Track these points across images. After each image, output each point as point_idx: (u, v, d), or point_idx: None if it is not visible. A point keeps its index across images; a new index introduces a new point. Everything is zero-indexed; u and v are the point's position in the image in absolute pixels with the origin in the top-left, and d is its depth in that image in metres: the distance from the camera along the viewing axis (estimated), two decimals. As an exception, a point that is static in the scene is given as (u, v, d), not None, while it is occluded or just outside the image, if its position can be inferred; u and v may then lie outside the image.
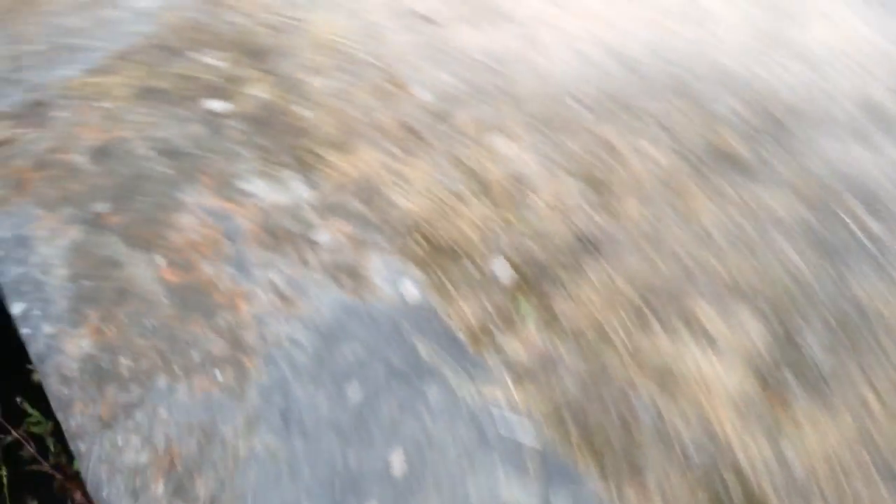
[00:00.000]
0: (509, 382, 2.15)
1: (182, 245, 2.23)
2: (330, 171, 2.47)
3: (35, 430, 1.97)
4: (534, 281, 2.38)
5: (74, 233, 2.16)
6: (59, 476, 2.00)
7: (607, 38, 2.89)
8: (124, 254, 2.17)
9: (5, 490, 2.01)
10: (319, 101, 2.58)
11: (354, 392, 2.08)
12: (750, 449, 2.05)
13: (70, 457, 1.90)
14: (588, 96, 2.75)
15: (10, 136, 2.27)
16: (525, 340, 2.27)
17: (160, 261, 2.18)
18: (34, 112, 2.33)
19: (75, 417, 1.90)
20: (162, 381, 1.98)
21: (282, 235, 2.32)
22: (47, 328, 1.98)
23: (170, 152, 2.37)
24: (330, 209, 2.41)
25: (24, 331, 1.95)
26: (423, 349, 2.21)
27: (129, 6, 2.58)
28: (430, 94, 2.67)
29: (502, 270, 2.39)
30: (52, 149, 2.27)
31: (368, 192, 2.46)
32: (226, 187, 2.36)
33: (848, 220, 2.59)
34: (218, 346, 2.07)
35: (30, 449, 1.96)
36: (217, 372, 2.03)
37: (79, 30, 2.51)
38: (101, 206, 2.22)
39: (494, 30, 2.82)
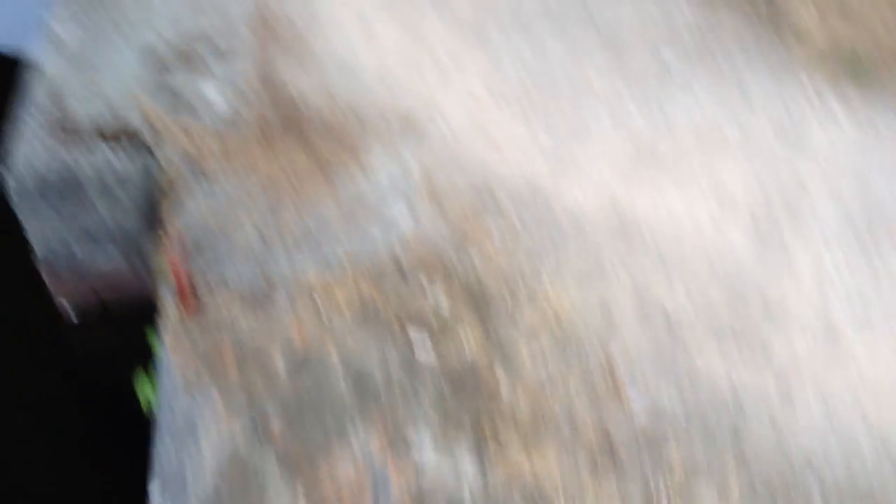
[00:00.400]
0: None
1: (328, 490, 2.10)
2: (506, 459, 2.23)
3: None
4: None
5: (239, 438, 2.14)
6: None
7: (876, 416, 2.37)
8: (273, 478, 2.09)
9: None
10: (523, 376, 2.38)
11: None
12: None
13: None
14: (832, 488, 2.24)
15: (230, 316, 2.35)
16: None
17: (301, 500, 2.07)
18: (262, 298, 2.41)
19: None
20: None
21: (428, 518, 2.10)
22: (168, 541, 1.93)
23: (359, 379, 2.30)
24: (489, 506, 2.15)
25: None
26: None
27: (387, 222, 2.63)
28: (647, 410, 2.35)
29: None
30: (260, 341, 2.31)
31: (537, 501, 2.17)
32: (396, 439, 2.22)
33: None
34: None
35: None
36: None
37: (332, 228, 2.61)
38: (274, 417, 2.19)
39: (745, 362, 2.45)
